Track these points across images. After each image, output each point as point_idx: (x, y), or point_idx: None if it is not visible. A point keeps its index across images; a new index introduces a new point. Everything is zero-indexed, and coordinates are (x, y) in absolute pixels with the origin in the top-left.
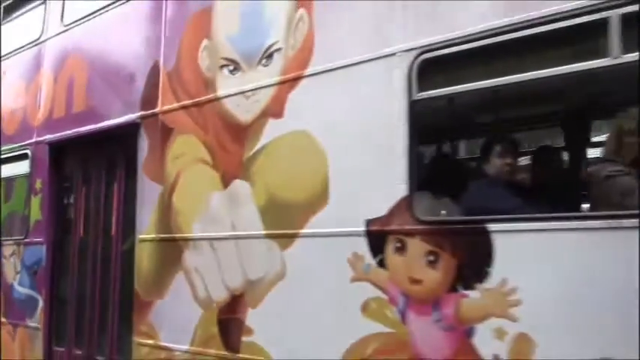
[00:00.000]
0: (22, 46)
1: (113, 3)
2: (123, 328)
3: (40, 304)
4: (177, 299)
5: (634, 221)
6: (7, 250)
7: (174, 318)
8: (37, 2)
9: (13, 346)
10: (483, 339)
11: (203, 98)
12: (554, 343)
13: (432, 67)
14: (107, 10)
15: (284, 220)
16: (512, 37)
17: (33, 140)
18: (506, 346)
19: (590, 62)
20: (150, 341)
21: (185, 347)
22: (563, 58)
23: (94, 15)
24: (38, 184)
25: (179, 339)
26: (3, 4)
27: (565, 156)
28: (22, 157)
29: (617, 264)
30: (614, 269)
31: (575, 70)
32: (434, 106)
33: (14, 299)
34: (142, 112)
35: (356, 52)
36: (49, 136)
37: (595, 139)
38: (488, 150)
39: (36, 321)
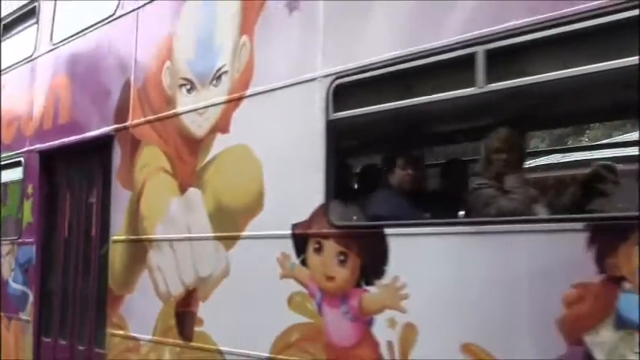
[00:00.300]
0: (18, 62)
1: (93, 26)
2: (100, 320)
3: (31, 298)
4: (142, 294)
5: (495, 227)
6: (5, 250)
7: (141, 311)
8: (32, 21)
9: (9, 337)
10: (380, 328)
11: (165, 114)
12: (433, 331)
13: (345, 91)
14: (89, 32)
15: (228, 223)
16: (408, 66)
17: (25, 149)
18: (397, 334)
19: (461, 90)
20: (121, 332)
21: (149, 337)
22: (443, 86)
23: (78, 36)
24: (30, 189)
25: (144, 329)
26: (3, 22)
27: (449, 169)
28: (16, 164)
29: (483, 263)
30: (482, 268)
31: (451, 97)
32: (347, 124)
33: (9, 294)
34: (116, 126)
35: (286, 76)
36: (39, 146)
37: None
38: (392, 163)
39: (27, 314)
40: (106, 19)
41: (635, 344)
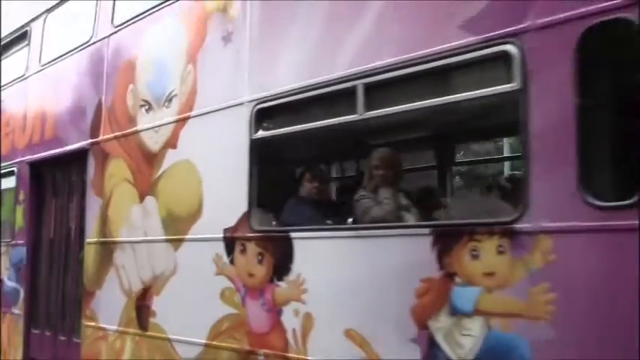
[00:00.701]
0: (14, 80)
1: (73, 50)
2: (77, 313)
3: (22, 294)
4: (109, 290)
5: (369, 232)
6: (2, 251)
7: (108, 304)
8: (24, 43)
9: (4, 329)
10: (287, 317)
11: (128, 131)
12: (325, 319)
13: (264, 115)
14: (70, 55)
15: (176, 228)
16: (310, 94)
17: (18, 160)
18: (299, 322)
19: (346, 117)
20: (93, 323)
21: (115, 327)
22: (335, 113)
23: (61, 58)
24: (21, 196)
25: (111, 321)
26: (2, 42)
27: (343, 182)
28: (11, 173)
29: (362, 263)
30: (361, 266)
31: (340, 122)
32: (266, 143)
33: (4, 291)
34: (90, 140)
35: (221, 100)
36: (29, 157)
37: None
38: (302, 176)
39: (19, 309)
40: (84, 44)
41: (464, 327)
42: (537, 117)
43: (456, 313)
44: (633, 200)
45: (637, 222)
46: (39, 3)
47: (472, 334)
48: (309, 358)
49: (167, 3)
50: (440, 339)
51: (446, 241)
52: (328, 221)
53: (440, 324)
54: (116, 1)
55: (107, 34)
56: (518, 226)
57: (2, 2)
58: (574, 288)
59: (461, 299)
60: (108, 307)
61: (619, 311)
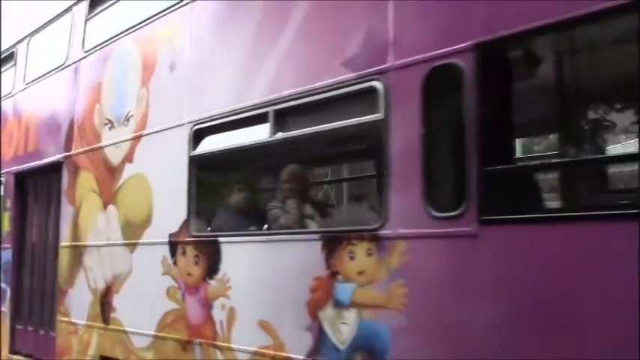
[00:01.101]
0: (3, 96)
1: (51, 71)
2: (54, 310)
3: (9, 293)
4: (79, 288)
5: (277, 237)
6: None
7: (78, 301)
8: (12, 63)
9: None
10: (216, 311)
11: (95, 146)
12: (243, 312)
13: (200, 134)
14: (49, 76)
15: (131, 233)
16: (234, 118)
17: (5, 170)
18: (225, 315)
19: (261, 139)
20: (65, 318)
21: (83, 322)
22: (252, 134)
23: (41, 78)
24: (8, 204)
25: (80, 316)
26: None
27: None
28: None
29: (272, 263)
30: (272, 267)
31: (256, 142)
32: (201, 159)
33: None
34: (64, 154)
35: (167, 121)
36: (14, 168)
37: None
38: (231, 189)
39: (6, 306)
40: (60, 66)
41: (343, 317)
42: (396, 142)
43: (337, 305)
44: (459, 212)
45: (462, 228)
46: (28, 25)
47: (349, 322)
48: (232, 345)
49: (127, 32)
50: (326, 327)
51: (331, 245)
52: (251, 228)
53: (326, 314)
54: (86, 28)
55: (78, 59)
56: (381, 232)
57: (2, 2)
58: (422, 283)
59: (341, 294)
60: (78, 304)
61: (457, 300)
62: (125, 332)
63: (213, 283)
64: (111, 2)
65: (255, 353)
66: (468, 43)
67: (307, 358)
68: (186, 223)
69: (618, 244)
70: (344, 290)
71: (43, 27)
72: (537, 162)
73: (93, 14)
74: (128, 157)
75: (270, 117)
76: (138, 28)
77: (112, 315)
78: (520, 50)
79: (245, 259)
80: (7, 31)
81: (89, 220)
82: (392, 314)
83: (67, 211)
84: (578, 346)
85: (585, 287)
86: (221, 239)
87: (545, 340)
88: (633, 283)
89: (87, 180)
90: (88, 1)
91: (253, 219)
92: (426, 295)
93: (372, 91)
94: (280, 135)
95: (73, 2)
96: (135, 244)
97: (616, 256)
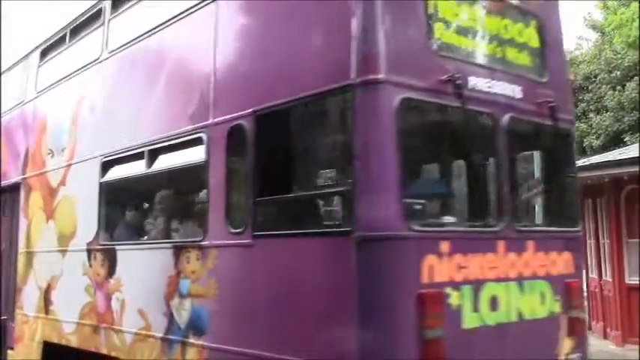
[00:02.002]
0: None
1: (16, 106)
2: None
3: None
4: (30, 286)
5: (152, 246)
6: None
7: (30, 297)
8: None
9: None
10: (114, 302)
11: (41, 171)
12: (129, 303)
13: (107, 165)
14: (14, 109)
15: (63, 243)
16: (127, 154)
17: None
18: (119, 305)
19: (140, 171)
20: (21, 311)
21: (33, 314)
22: (136, 168)
23: (11, 110)
24: None
25: (31, 309)
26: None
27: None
28: None
29: (149, 266)
30: (149, 268)
31: (137, 174)
32: (107, 185)
33: None
34: (22, 176)
35: (87, 153)
36: None
37: None
38: (126, 208)
39: None
40: (20, 102)
41: (183, 305)
42: (212, 179)
43: (180, 296)
44: (242, 229)
45: (244, 241)
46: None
47: (186, 309)
48: (123, 328)
49: (68, 77)
50: (174, 312)
51: (178, 252)
52: (135, 239)
53: (174, 303)
54: (38, 72)
55: (32, 98)
56: (203, 243)
57: (2, 2)
58: (225, 279)
59: (182, 288)
60: (29, 299)
61: (245, 290)
62: (58, 321)
63: (112, 281)
64: (58, 53)
65: (135, 334)
66: (250, 110)
67: (164, 336)
68: (97, 235)
69: (325, 252)
70: (184, 285)
71: (13, 65)
72: (278, 196)
73: (44, 62)
74: (62, 181)
75: (146, 155)
76: (73, 76)
77: (51, 307)
78: (276, 117)
79: (131, 262)
80: None
81: (37, 231)
82: (209, 301)
83: (23, 223)
84: (304, 318)
85: (307, 279)
86: (117, 247)
87: (289, 314)
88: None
89: (36, 199)
90: (39, 52)
91: (139, 232)
92: (228, 287)
93: (200, 140)
94: (150, 169)
95: (31, 51)
96: (65, 251)
97: (323, 259)
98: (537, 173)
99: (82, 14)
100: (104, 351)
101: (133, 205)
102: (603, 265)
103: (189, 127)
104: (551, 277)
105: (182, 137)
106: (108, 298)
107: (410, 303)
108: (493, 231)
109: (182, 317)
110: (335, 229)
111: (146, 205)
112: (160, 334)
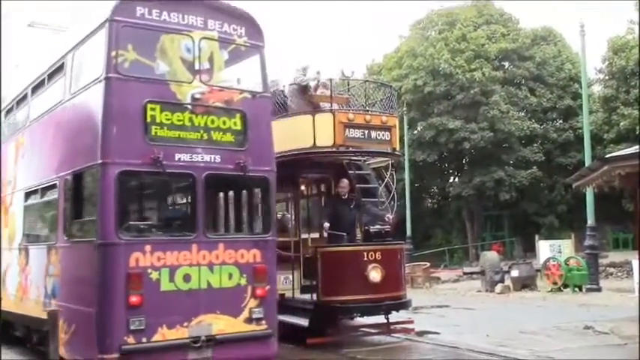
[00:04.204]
0: None
1: None
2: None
3: None
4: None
5: (39, 245)
6: None
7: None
8: None
9: None
10: (27, 281)
11: (5, 194)
12: (33, 282)
13: (27, 195)
14: None
15: (12, 243)
16: (31, 189)
17: None
18: (28, 283)
19: (52, 198)
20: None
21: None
22: (35, 199)
23: None
24: None
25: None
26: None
27: None
28: None
29: (37, 258)
30: (38, 259)
31: (31, 203)
32: (28, 207)
33: None
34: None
35: (20, 186)
36: None
37: None
38: (36, 223)
39: None
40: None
41: (50, 281)
42: (60, 209)
43: (49, 275)
44: (67, 238)
45: (66, 244)
46: None
47: (50, 283)
48: (30, 296)
49: (14, 133)
50: (47, 285)
51: (48, 249)
52: (36, 241)
53: (47, 280)
54: (1, 126)
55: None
56: (56, 245)
57: (2, 2)
58: (63, 265)
59: (50, 270)
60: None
61: (67, 273)
62: (7, 297)
63: (27, 268)
64: (12, 115)
65: (34, 301)
66: (70, 170)
67: (43, 300)
68: (22, 239)
69: (88, 251)
70: (50, 269)
71: None
72: (77, 220)
73: (7, 119)
74: (11, 202)
75: (39, 191)
76: (16, 133)
77: (5, 286)
78: (78, 176)
79: (33, 256)
80: None
81: (4, 236)
82: (58, 278)
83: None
84: (83, 285)
85: (85, 265)
86: (28, 246)
87: (79, 284)
88: (90, 262)
89: (4, 214)
90: (4, 112)
91: (36, 237)
92: (64, 270)
93: (55, 185)
94: (41, 200)
95: None
96: (12, 248)
97: (88, 255)
98: (243, 201)
99: (20, 93)
100: (25, 312)
101: (35, 221)
102: None
103: (53, 176)
104: (239, 263)
105: (50, 182)
106: (25, 279)
107: (122, 277)
108: (188, 238)
109: (49, 288)
110: (91, 239)
111: (39, 222)
112: (42, 299)
